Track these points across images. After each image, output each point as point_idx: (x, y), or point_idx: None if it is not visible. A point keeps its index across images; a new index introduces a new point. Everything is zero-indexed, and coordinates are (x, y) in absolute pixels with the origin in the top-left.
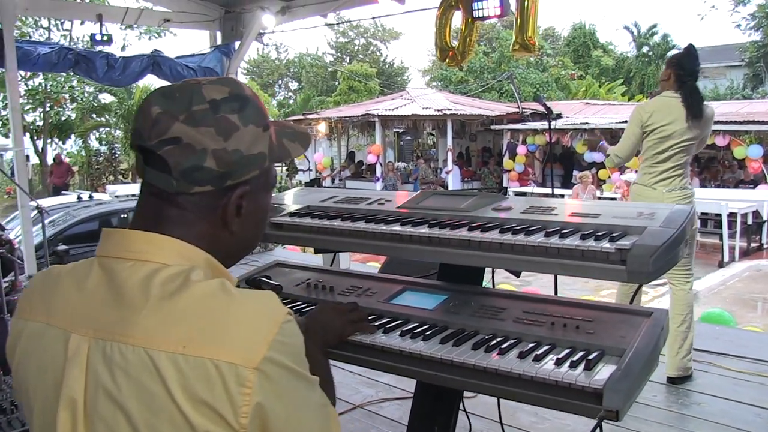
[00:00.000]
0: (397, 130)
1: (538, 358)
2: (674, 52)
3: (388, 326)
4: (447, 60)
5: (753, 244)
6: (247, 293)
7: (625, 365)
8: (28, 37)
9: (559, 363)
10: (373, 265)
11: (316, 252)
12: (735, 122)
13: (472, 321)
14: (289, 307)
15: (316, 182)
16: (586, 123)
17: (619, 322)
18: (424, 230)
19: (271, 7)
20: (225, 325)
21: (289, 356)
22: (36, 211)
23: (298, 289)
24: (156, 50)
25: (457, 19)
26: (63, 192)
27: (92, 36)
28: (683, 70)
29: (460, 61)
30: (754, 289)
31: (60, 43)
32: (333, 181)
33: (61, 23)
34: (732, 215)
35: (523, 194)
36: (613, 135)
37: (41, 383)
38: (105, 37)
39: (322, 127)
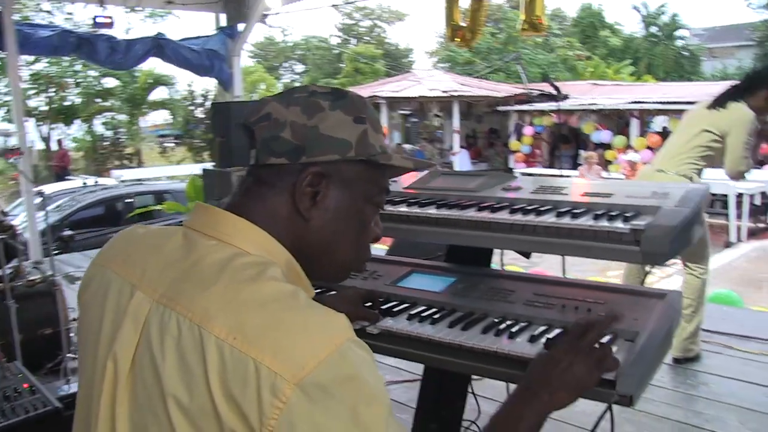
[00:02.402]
0: (404, 112)
1: (549, 342)
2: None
3: (395, 309)
4: (457, 40)
5: (760, 225)
6: (317, 307)
7: (639, 349)
8: (28, 20)
9: None
10: (381, 248)
11: None
12: None
13: (482, 304)
14: None
15: None
16: (594, 104)
17: (632, 304)
18: (431, 211)
19: None
20: (280, 330)
21: (339, 383)
22: (40, 197)
23: None
24: (159, 33)
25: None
26: (66, 177)
27: (94, 19)
28: None
29: (469, 41)
30: (761, 270)
31: (61, 27)
32: None
33: (63, 6)
34: (739, 196)
35: (530, 175)
36: (620, 116)
37: (98, 332)
38: (107, 20)
39: None
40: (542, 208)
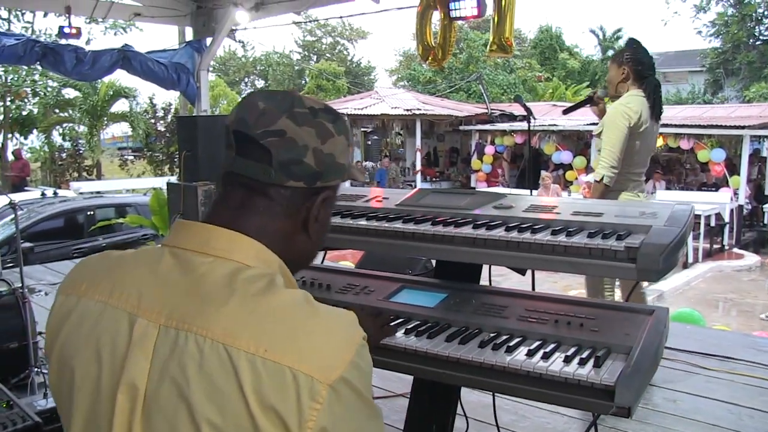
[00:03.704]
0: (365, 129)
1: (546, 356)
2: (621, 48)
3: (390, 324)
4: (429, 60)
5: (715, 246)
6: (331, 309)
7: (634, 362)
8: None
9: (567, 360)
10: (345, 264)
11: None
12: (700, 126)
13: (475, 319)
14: None
15: None
16: (554, 124)
17: (622, 320)
18: (427, 227)
19: (245, 3)
20: (308, 336)
21: (361, 380)
22: (6, 205)
23: None
24: (126, 45)
25: (437, 19)
26: (25, 188)
27: (60, 29)
28: (642, 65)
29: (441, 60)
30: (717, 289)
31: (25, 35)
32: None
33: (23, 14)
34: (696, 217)
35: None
36: (579, 137)
37: (96, 366)
38: (74, 30)
39: None
40: (537, 227)
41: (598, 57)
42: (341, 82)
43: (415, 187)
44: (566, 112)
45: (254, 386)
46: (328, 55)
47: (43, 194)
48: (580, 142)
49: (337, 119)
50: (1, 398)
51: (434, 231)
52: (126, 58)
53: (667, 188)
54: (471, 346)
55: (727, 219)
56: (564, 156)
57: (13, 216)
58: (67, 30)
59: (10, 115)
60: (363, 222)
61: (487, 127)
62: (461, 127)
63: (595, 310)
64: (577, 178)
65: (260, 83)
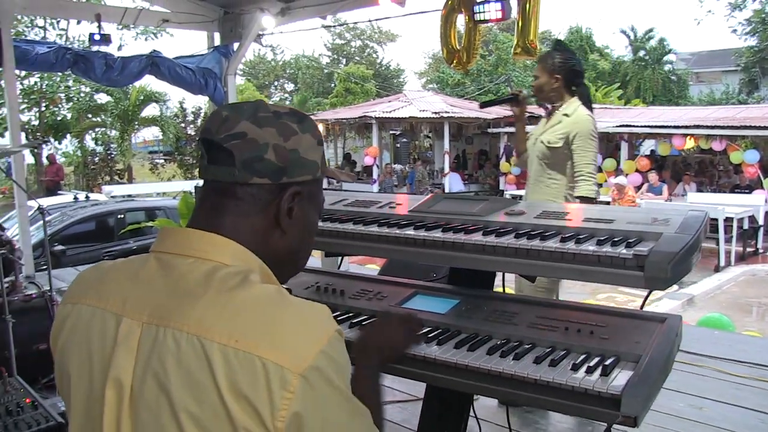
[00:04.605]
0: (394, 132)
1: (553, 363)
2: (548, 53)
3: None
4: (454, 63)
5: (749, 249)
6: (303, 302)
7: (642, 371)
8: (23, 37)
9: (575, 368)
10: (371, 267)
11: (327, 255)
12: (732, 127)
13: (485, 326)
14: None
15: None
16: None
17: (633, 327)
18: (438, 234)
19: (271, 9)
20: (279, 327)
21: (335, 371)
22: (35, 210)
23: (308, 293)
24: (154, 51)
25: (462, 22)
26: (59, 192)
27: (91, 36)
28: (576, 75)
29: (466, 63)
30: (750, 294)
31: (58, 43)
32: (330, 183)
33: (57, 22)
34: (728, 220)
35: (519, 197)
36: (609, 139)
37: (87, 364)
38: (103, 37)
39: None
40: (546, 233)
41: (629, 57)
42: (369, 85)
43: (443, 190)
44: (483, 106)
45: (227, 376)
46: (357, 58)
47: (75, 198)
48: (609, 144)
49: (303, 120)
50: (27, 398)
51: (444, 238)
52: (154, 64)
53: (699, 190)
54: (479, 353)
55: (761, 221)
56: None
57: (48, 219)
58: (97, 37)
59: (45, 120)
60: (374, 228)
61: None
62: (489, 130)
63: (606, 317)
64: (606, 180)
65: (290, 86)
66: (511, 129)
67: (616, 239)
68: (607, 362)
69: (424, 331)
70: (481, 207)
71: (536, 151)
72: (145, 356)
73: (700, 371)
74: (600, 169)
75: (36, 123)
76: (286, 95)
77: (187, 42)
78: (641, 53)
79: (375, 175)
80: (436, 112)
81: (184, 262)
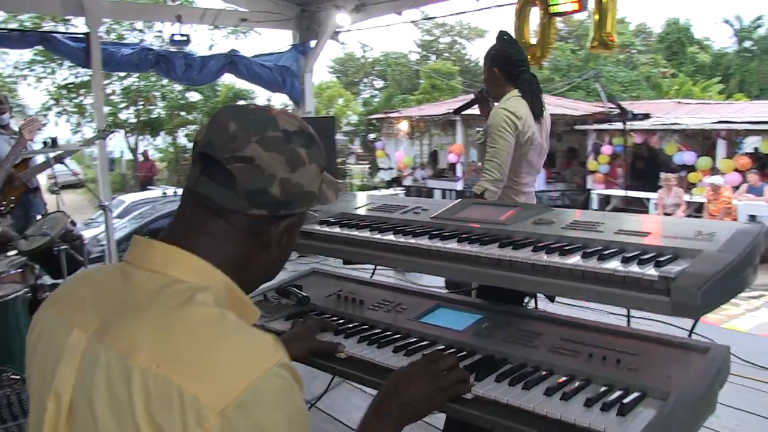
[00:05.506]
0: (479, 129)
1: (566, 397)
2: (489, 50)
3: (410, 348)
4: (528, 58)
5: None
6: (245, 331)
7: (668, 412)
8: (123, 39)
9: (589, 404)
10: None
11: (345, 263)
12: None
13: (503, 347)
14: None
15: (395, 181)
16: (676, 123)
17: (668, 357)
18: (452, 245)
19: (346, 5)
20: (207, 355)
21: (265, 412)
22: (126, 205)
23: (327, 301)
24: (233, 50)
25: (536, 15)
26: (149, 187)
27: (171, 36)
28: (510, 63)
29: (540, 59)
30: None
31: (141, 45)
32: (415, 180)
33: (152, 25)
34: None
35: (607, 197)
36: (705, 136)
37: (42, 372)
38: (183, 37)
39: (403, 126)
40: (569, 247)
41: (732, 49)
42: (455, 82)
43: None
44: (457, 111)
45: (143, 401)
46: (446, 54)
47: (164, 193)
48: (706, 141)
49: (311, 144)
50: None
51: (458, 250)
52: (232, 63)
53: None
54: (487, 380)
55: None
56: (687, 156)
57: (137, 213)
58: (177, 38)
59: (141, 118)
60: (389, 237)
61: (604, 126)
62: (576, 127)
63: (639, 343)
64: (701, 180)
65: (379, 83)
66: (600, 126)
67: (645, 256)
68: (629, 399)
69: (437, 349)
70: (508, 215)
71: None
72: (83, 371)
73: None
74: (693, 168)
75: (134, 120)
76: (375, 92)
77: (276, 40)
78: (747, 44)
79: (459, 173)
80: None
81: (142, 274)
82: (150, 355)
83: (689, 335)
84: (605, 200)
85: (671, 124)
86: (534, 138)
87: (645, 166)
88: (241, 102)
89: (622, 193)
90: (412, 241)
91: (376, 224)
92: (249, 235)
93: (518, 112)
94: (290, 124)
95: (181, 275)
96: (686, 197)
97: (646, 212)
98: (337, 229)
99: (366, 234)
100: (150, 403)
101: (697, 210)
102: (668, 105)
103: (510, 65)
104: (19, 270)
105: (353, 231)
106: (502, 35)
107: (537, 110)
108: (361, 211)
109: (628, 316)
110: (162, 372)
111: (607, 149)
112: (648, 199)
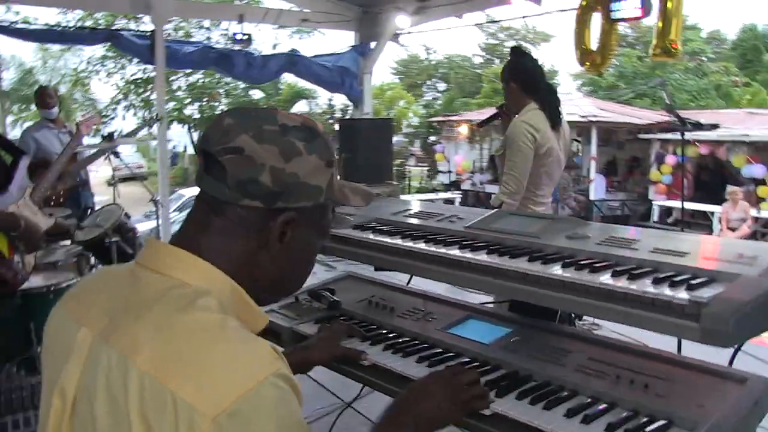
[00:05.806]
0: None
1: (587, 420)
2: (504, 66)
3: (433, 359)
4: (587, 65)
5: None
6: (244, 339)
7: None
8: (190, 36)
9: (611, 429)
10: None
11: (376, 270)
12: None
13: (529, 363)
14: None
15: (454, 185)
16: (746, 135)
17: (701, 386)
18: (481, 257)
19: (407, 8)
20: (203, 362)
21: (260, 422)
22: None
23: (358, 306)
24: (293, 49)
25: (598, 21)
26: None
27: (233, 35)
28: (526, 76)
29: (599, 65)
30: None
31: (203, 43)
32: (473, 184)
33: (219, 23)
34: None
35: (668, 209)
36: None
37: (52, 367)
38: (245, 36)
39: (462, 129)
40: (599, 264)
41: None
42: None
43: (588, 197)
44: (481, 125)
45: (138, 403)
46: None
47: None
48: None
49: (313, 138)
50: None
51: (486, 262)
52: (292, 62)
53: None
54: (509, 396)
55: None
56: (756, 170)
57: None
58: (239, 37)
59: (205, 114)
60: (419, 245)
61: (668, 136)
62: (640, 135)
63: (672, 368)
64: None
65: (442, 86)
66: (665, 135)
67: (678, 278)
68: (653, 426)
69: (461, 362)
70: (543, 227)
71: None
72: (87, 371)
73: None
74: (763, 182)
75: (197, 116)
76: (438, 94)
77: (338, 41)
78: None
79: None
80: (583, 116)
81: (151, 276)
82: (150, 356)
83: (729, 364)
84: (667, 212)
85: (741, 135)
86: (552, 150)
87: (710, 178)
88: (302, 101)
89: (684, 205)
90: (442, 250)
91: (407, 232)
92: (249, 230)
93: (537, 124)
94: (292, 120)
95: (185, 278)
96: (753, 212)
97: (710, 226)
98: (368, 235)
99: (396, 241)
100: (144, 404)
101: (764, 226)
102: (739, 115)
103: (526, 79)
104: (74, 260)
105: (384, 237)
106: (516, 50)
107: (554, 122)
108: (397, 218)
109: (679, 340)
110: (159, 375)
111: (671, 159)
112: (712, 213)
